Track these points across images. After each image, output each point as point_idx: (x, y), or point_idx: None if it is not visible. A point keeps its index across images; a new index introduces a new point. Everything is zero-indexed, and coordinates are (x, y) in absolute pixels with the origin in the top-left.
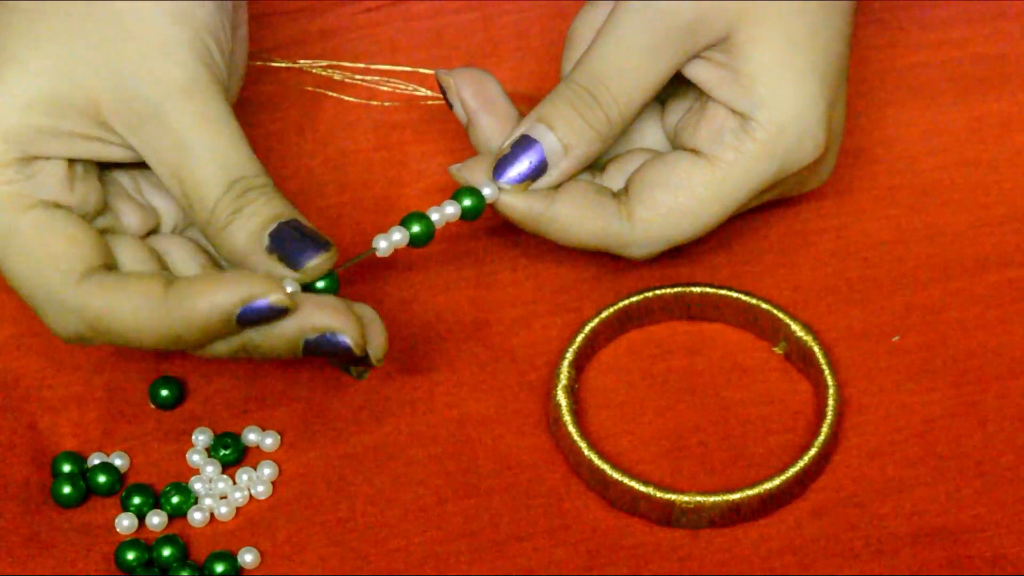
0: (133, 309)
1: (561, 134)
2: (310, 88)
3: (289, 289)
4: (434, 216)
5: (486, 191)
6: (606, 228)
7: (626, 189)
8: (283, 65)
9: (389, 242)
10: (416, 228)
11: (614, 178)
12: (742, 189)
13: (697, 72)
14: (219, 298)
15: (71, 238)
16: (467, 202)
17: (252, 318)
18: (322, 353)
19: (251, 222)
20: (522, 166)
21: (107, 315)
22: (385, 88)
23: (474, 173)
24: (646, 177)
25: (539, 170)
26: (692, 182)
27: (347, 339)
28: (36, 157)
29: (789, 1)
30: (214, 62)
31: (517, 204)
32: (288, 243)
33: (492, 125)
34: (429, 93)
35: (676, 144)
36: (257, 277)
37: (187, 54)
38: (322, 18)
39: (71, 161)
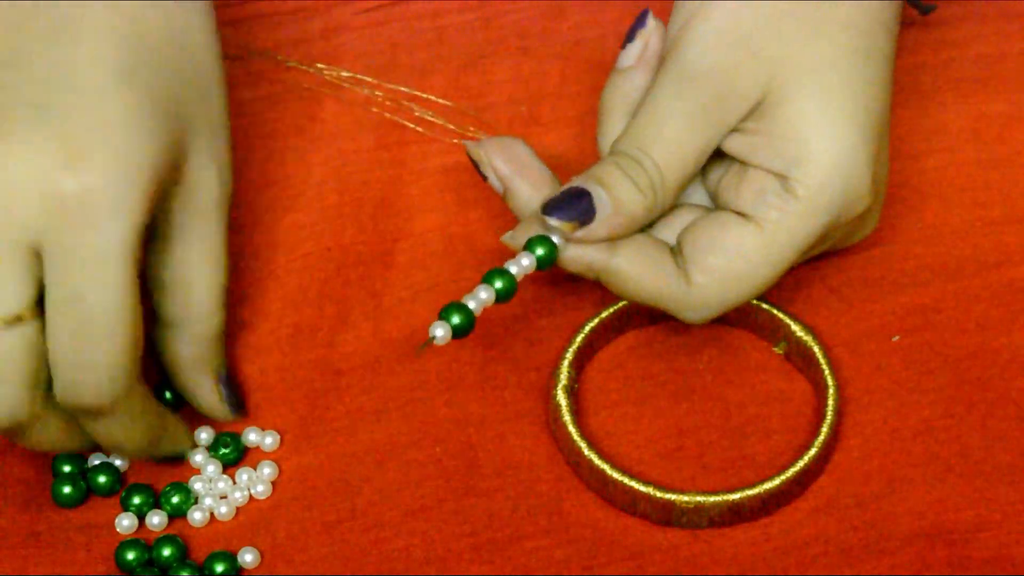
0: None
1: (612, 191)
2: (311, 88)
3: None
4: (512, 269)
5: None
6: (663, 289)
7: (680, 249)
8: (303, 68)
9: (477, 301)
10: (499, 284)
11: (662, 233)
12: (792, 248)
13: (731, 144)
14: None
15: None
16: (540, 251)
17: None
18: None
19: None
20: (571, 210)
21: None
22: (382, 94)
23: (527, 233)
24: (699, 241)
25: (587, 215)
26: (743, 247)
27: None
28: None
29: (821, 55)
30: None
31: (579, 255)
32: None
33: (528, 189)
34: (428, 114)
35: (719, 203)
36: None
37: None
38: (322, 18)
39: None
